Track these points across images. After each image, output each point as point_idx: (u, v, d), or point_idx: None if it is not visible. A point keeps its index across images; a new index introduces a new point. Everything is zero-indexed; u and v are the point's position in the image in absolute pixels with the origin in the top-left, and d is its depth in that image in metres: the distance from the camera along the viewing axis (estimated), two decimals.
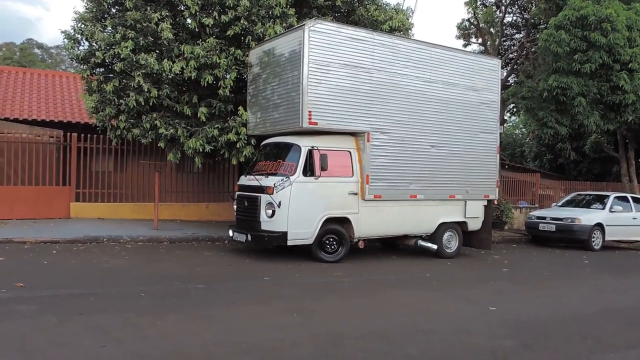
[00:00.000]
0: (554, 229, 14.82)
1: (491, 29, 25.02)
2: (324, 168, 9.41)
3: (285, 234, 9.27)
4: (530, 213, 16.41)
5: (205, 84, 11.28)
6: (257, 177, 9.66)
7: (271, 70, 10.43)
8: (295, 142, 9.74)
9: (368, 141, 10.00)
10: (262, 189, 9.45)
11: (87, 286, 7.01)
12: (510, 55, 24.78)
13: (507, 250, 13.48)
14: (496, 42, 24.62)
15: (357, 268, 9.46)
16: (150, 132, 11.79)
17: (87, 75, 12.26)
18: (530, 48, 22.12)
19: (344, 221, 9.89)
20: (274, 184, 9.30)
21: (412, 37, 13.99)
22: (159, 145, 12.02)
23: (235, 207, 10.43)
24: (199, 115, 11.44)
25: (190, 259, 9.54)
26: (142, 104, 11.41)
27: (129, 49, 11.04)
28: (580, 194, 17.11)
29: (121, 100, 11.65)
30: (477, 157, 11.55)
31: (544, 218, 15.24)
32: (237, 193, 10.38)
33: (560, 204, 16.67)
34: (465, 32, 25.81)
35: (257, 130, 11.01)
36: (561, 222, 14.74)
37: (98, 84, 12.09)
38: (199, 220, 14.47)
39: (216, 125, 11.34)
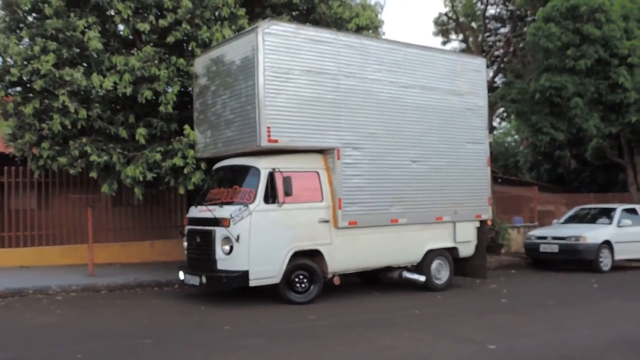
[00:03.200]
0: (556, 250, 15.08)
1: (472, 23, 25.63)
2: (288, 193, 9.43)
3: (246, 273, 9.23)
4: (530, 233, 16.69)
5: (144, 101, 11.23)
6: (210, 207, 9.65)
7: (221, 81, 10.48)
8: (253, 164, 9.78)
9: (338, 159, 10.08)
10: (216, 222, 9.42)
11: (12, 349, 6.89)
12: (496, 53, 25.37)
13: (505, 278, 13.68)
14: (479, 38, 25.22)
15: (333, 308, 9.47)
16: (79, 161, 11.65)
17: (2, 96, 12.05)
18: (518, 44, 22.70)
19: (315, 254, 9.91)
20: (231, 215, 9.29)
21: (383, 37, 14.23)
22: (90, 175, 11.88)
23: (185, 244, 10.36)
24: (137, 137, 11.36)
25: (134, 309, 9.46)
26: (69, 127, 11.27)
27: (50, 64, 10.91)
28: (584, 207, 17.48)
29: (43, 125, 11.49)
30: (465, 171, 11.74)
31: (545, 238, 15.51)
32: (187, 227, 10.32)
33: (562, 220, 17.02)
34: (443, 27, 26.38)
35: (207, 152, 11.01)
36: (564, 242, 15.01)
37: (15, 106, 11.89)
38: (142, 262, 14.33)
39: (158, 149, 11.29)
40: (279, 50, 9.59)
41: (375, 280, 12.12)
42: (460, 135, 11.75)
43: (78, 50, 11.34)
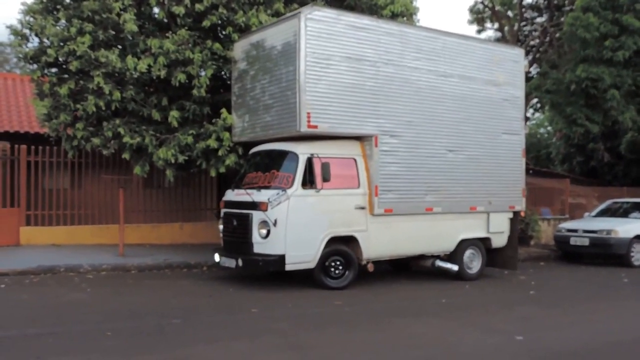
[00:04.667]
0: (587, 243, 15.04)
1: (509, 12, 25.42)
2: (326, 179, 9.48)
3: (282, 257, 9.33)
4: (560, 225, 16.64)
5: (177, 84, 11.33)
6: (249, 191, 9.72)
7: (261, 66, 10.57)
8: (291, 149, 9.85)
9: (376, 146, 10.15)
10: (254, 205, 9.51)
11: (44, 325, 7.08)
12: (532, 43, 25.18)
13: (534, 270, 13.68)
14: (515, 27, 25.02)
15: (361, 295, 9.57)
16: (112, 142, 11.84)
17: (38, 76, 12.28)
18: (554, 34, 22.49)
19: (350, 240, 10.00)
20: (268, 199, 9.37)
21: (417, 24, 14.20)
22: (123, 156, 12.06)
23: (221, 227, 10.49)
24: (169, 120, 11.49)
25: (163, 289, 9.62)
26: (103, 108, 11.46)
27: (86, 45, 11.08)
28: (617, 201, 17.37)
29: (78, 105, 11.70)
30: (500, 162, 11.79)
31: (576, 231, 15.47)
32: (224, 210, 10.44)
33: (594, 213, 16.95)
34: (479, 16, 26.22)
35: (244, 136, 11.12)
36: (595, 235, 14.96)
37: (50, 87, 12.13)
38: (172, 244, 14.54)
39: (190, 132, 11.41)
40: (321, 36, 9.64)
41: (404, 268, 12.20)
42: (496, 125, 11.76)
43: (113, 33, 11.48)
